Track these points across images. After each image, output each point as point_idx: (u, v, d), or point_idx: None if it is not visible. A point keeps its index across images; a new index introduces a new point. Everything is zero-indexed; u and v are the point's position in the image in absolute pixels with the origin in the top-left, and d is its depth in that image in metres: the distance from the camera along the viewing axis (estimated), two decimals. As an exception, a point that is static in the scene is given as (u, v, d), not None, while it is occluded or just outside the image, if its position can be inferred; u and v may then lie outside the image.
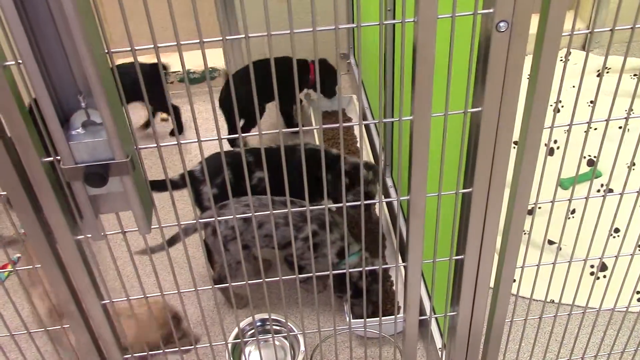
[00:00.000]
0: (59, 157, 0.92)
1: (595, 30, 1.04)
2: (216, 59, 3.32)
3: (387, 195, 2.48)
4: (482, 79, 1.02)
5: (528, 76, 1.03)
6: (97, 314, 1.22)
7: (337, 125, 1.02)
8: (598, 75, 3.14)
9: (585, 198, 1.26)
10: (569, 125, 1.13)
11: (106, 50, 0.88)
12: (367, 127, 2.80)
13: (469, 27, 0.96)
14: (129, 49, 0.89)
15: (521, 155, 1.13)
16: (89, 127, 0.91)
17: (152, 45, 0.89)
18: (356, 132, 2.86)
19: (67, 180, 0.93)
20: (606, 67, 3.11)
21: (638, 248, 2.14)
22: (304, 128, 1.03)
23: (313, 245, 2.05)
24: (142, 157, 1.00)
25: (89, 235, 1.04)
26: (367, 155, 2.74)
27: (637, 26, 1.02)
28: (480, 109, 1.04)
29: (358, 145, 2.83)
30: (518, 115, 1.09)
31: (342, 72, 3.32)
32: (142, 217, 0.99)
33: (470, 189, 1.15)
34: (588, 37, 3.37)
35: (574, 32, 0.99)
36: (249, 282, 1.24)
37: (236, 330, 1.71)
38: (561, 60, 3.26)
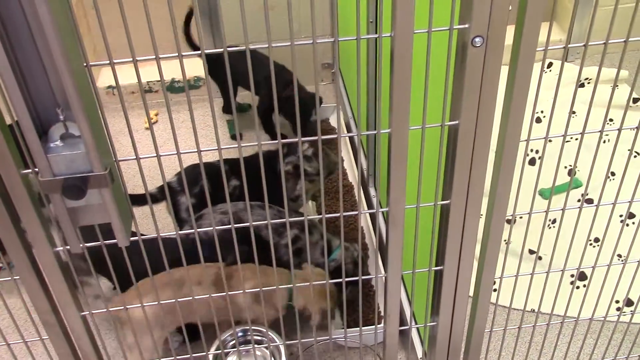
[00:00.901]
0: (37, 169, 0.92)
1: (569, 45, 1.06)
2: (200, 67, 3.32)
3: (370, 205, 2.49)
4: (458, 93, 1.03)
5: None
6: (77, 326, 1.21)
7: (316, 137, 1.03)
8: (581, 86, 3.17)
9: (562, 210, 1.27)
10: (544, 138, 1.14)
11: (85, 64, 0.89)
12: (350, 137, 2.81)
13: (446, 42, 0.97)
14: (108, 62, 0.90)
15: (498, 166, 1.15)
16: (67, 140, 0.91)
17: (131, 59, 0.89)
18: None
19: (45, 192, 0.93)
20: (587, 78, 3.15)
21: (617, 257, 2.17)
22: (283, 140, 1.04)
23: (297, 251, 2.08)
24: (121, 169, 1.00)
25: (68, 247, 1.04)
26: (350, 165, 2.75)
27: (610, 41, 1.04)
28: (457, 122, 1.06)
29: (343, 155, 2.85)
30: (497, 126, 1.10)
31: (326, 82, 3.33)
32: (120, 229, 1.00)
33: (449, 201, 1.17)
34: (567, 49, 3.41)
35: (549, 47, 1.01)
36: (230, 292, 1.24)
37: (217, 341, 1.72)
38: (544, 71, 3.30)
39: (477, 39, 0.96)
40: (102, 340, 1.27)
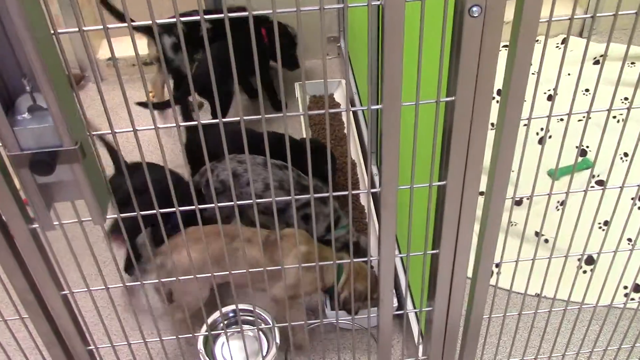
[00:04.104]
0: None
1: (575, 17, 0.99)
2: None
3: (373, 183, 2.43)
4: (455, 67, 0.97)
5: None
6: (57, 305, 1.17)
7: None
8: (595, 63, 3.07)
9: (566, 192, 1.21)
10: (547, 117, 1.08)
11: (52, 32, 0.83)
12: (355, 113, 2.74)
13: (441, 11, 0.90)
14: (77, 29, 0.84)
15: (498, 145, 1.08)
16: (35, 112, 0.86)
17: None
18: (344, 117, 2.80)
19: (13, 168, 0.88)
20: (603, 55, 3.05)
21: (626, 241, 2.10)
22: (274, 116, 0.98)
23: (304, 216, 2.08)
24: (96, 143, 0.95)
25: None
26: (353, 143, 2.69)
27: (619, 13, 0.97)
28: (453, 98, 0.99)
29: (345, 131, 2.78)
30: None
31: (331, 56, 3.25)
32: (95, 206, 0.95)
33: (445, 182, 1.11)
34: (586, 23, 3.30)
35: (552, 19, 0.94)
36: (215, 273, 1.19)
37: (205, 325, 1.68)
38: (557, 47, 3.19)
39: (474, 8, 0.89)
40: (83, 318, 1.24)
